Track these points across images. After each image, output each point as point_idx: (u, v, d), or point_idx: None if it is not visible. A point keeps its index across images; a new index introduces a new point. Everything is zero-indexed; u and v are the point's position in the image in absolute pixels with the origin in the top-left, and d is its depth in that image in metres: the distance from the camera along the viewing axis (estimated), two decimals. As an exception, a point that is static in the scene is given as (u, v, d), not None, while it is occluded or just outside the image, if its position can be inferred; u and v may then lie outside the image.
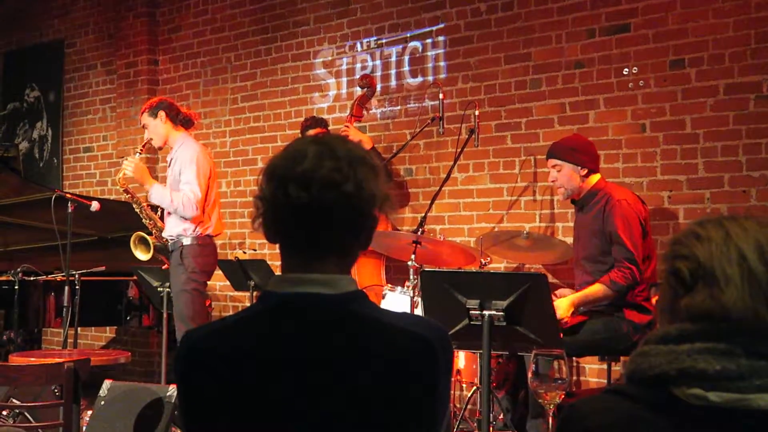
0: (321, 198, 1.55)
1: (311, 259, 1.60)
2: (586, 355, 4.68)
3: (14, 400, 4.55)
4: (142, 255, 5.55)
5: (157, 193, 5.15)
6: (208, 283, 5.48)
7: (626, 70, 5.08)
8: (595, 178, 4.32)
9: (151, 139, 5.29)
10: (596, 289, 4.12)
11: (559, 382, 2.34)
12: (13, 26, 8.97)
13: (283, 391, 1.53)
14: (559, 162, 4.32)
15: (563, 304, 4.07)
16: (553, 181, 4.41)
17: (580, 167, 4.28)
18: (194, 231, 5.14)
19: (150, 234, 5.43)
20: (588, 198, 4.30)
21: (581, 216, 4.37)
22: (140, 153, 5.43)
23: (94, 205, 5.59)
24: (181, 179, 5.12)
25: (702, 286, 1.36)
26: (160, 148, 5.46)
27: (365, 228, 1.64)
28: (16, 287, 5.80)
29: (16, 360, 4.64)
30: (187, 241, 5.13)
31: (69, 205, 5.53)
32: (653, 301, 4.13)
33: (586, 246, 4.29)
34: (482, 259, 4.68)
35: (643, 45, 5.02)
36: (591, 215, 4.25)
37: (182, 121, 5.30)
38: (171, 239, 5.21)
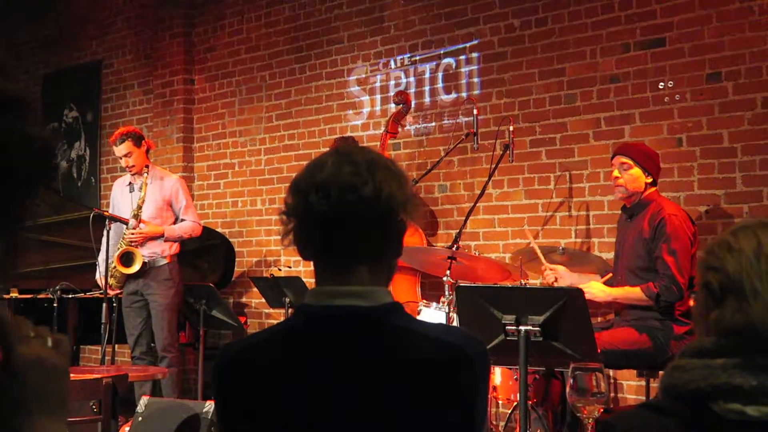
0: (340, 203, 1.55)
1: (343, 269, 1.59)
2: (623, 368, 4.66)
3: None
4: (124, 270, 5.65)
5: (171, 233, 5.71)
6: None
7: (662, 84, 5.05)
8: (652, 189, 4.32)
9: (133, 165, 5.70)
10: (634, 290, 4.17)
11: (598, 396, 2.32)
12: (51, 48, 9.11)
13: (319, 403, 1.53)
14: (630, 161, 4.27)
15: (597, 286, 4.24)
16: (615, 178, 4.33)
17: (647, 174, 4.28)
18: (171, 249, 5.72)
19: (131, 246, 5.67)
20: (639, 207, 4.30)
21: (629, 224, 4.36)
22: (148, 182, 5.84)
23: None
24: (178, 206, 5.78)
25: (731, 300, 1.34)
26: (137, 173, 5.77)
27: (392, 232, 1.62)
28: (55, 304, 5.86)
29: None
30: (167, 260, 5.67)
31: (107, 223, 5.61)
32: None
33: (630, 255, 4.29)
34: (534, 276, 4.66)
35: (679, 59, 4.98)
36: (640, 225, 4.24)
37: (147, 151, 5.87)
38: (151, 257, 5.64)
